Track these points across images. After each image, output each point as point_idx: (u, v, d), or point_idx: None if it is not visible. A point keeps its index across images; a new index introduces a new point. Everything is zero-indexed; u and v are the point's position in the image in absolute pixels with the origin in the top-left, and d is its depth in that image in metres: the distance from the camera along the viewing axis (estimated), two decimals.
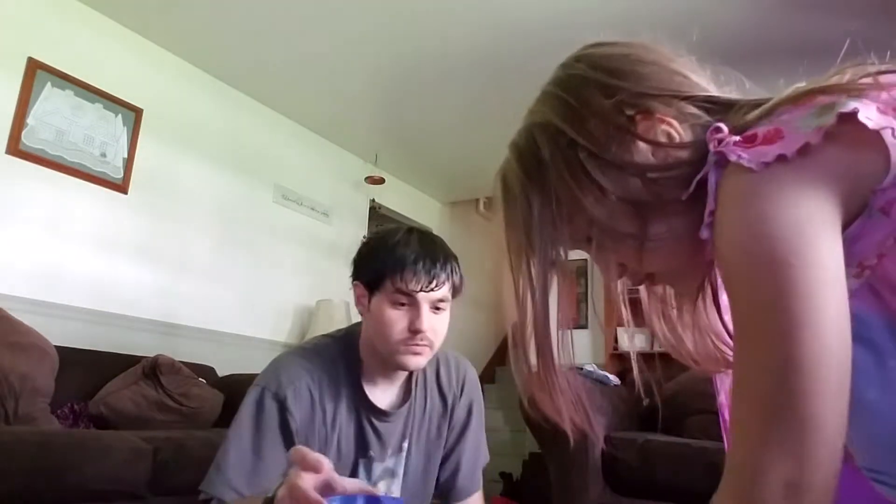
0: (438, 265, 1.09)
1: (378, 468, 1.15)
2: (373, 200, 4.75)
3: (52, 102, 2.87)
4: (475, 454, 1.30)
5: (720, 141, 0.50)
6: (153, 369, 2.65)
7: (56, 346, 2.38)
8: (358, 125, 4.28)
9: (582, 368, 2.82)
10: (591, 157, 0.58)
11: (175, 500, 2.06)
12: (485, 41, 3.20)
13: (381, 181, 4.58)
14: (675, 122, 0.58)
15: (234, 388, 2.80)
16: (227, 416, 2.72)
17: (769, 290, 0.44)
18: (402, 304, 1.09)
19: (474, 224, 6.20)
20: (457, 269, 1.14)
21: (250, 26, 3.15)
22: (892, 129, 0.44)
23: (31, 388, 2.19)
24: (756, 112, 0.53)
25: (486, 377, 5.99)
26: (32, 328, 2.35)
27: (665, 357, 0.74)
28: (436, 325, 1.11)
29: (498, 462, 4.70)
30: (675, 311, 0.69)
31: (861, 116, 0.44)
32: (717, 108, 0.58)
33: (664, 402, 2.75)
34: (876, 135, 0.44)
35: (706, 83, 0.61)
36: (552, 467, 2.36)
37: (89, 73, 3.01)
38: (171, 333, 3.25)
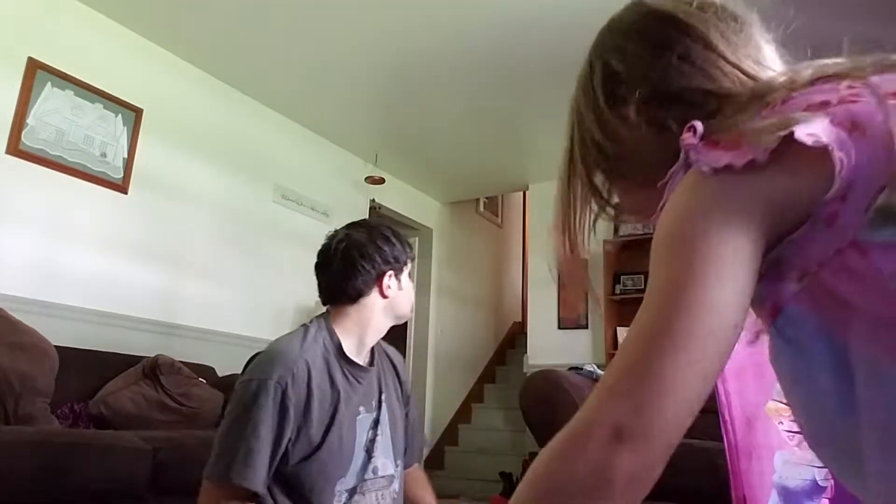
0: None
1: (368, 419, 1.36)
2: (373, 200, 4.75)
3: (52, 102, 2.87)
4: (419, 426, 1.57)
5: (688, 142, 0.52)
6: (153, 369, 2.65)
7: (56, 346, 2.38)
8: (358, 125, 4.28)
9: (582, 369, 2.82)
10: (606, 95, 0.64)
11: (175, 500, 2.06)
12: (485, 41, 3.20)
13: (381, 181, 4.58)
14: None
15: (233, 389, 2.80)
16: None
17: (663, 261, 0.49)
18: (410, 275, 1.47)
19: (474, 224, 6.20)
20: None
21: (250, 26, 3.15)
22: (836, 145, 0.45)
23: (31, 388, 2.19)
24: (742, 114, 0.53)
25: (487, 377, 6.00)
26: (32, 328, 2.35)
27: None
28: None
29: (498, 462, 4.70)
30: None
31: (800, 136, 0.46)
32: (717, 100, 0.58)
33: None
34: (821, 150, 0.46)
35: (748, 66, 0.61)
36: None
37: (89, 73, 3.01)
38: (171, 333, 3.25)
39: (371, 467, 1.34)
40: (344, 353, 1.35)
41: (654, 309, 0.47)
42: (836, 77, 0.51)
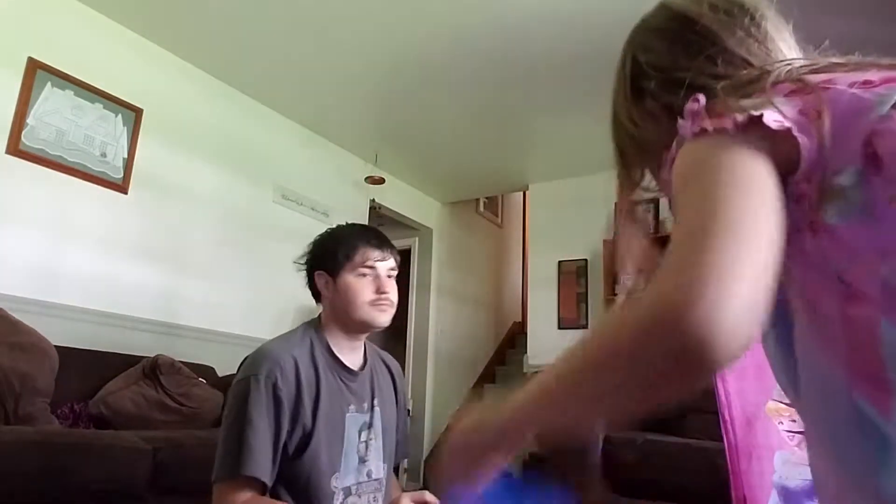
0: (385, 241, 1.43)
1: (360, 420, 1.39)
2: (373, 200, 4.75)
3: (52, 102, 2.87)
4: (403, 438, 1.54)
5: (688, 108, 0.55)
6: (153, 369, 2.65)
7: (56, 346, 2.38)
8: (358, 125, 4.28)
9: None
10: (635, 87, 0.70)
11: (175, 500, 2.07)
12: (485, 41, 3.20)
13: (381, 181, 4.58)
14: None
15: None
16: None
17: (688, 194, 0.49)
18: (365, 275, 1.38)
19: (474, 224, 6.19)
20: (394, 247, 1.46)
21: (250, 26, 3.15)
22: (799, 129, 0.48)
23: (31, 388, 2.19)
24: (736, 94, 0.56)
25: (487, 377, 5.99)
26: (32, 328, 2.35)
27: None
28: (392, 289, 1.41)
29: None
30: None
31: (767, 120, 0.49)
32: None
33: None
34: (785, 132, 0.49)
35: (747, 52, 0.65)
36: (552, 467, 2.37)
37: (89, 73, 3.01)
38: (171, 333, 3.25)
39: (366, 470, 1.38)
40: (332, 351, 1.39)
41: (695, 209, 0.47)
42: (798, 82, 0.54)
